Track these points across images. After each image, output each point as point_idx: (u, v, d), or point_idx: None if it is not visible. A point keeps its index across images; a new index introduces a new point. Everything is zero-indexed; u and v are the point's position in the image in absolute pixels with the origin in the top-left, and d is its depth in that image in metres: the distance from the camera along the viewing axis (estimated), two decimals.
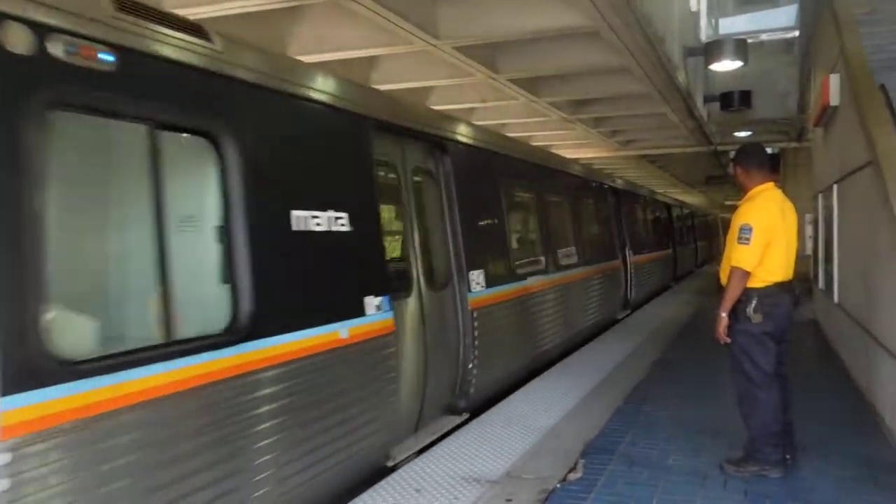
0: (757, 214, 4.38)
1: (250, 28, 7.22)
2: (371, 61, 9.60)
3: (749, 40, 12.29)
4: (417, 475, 4.51)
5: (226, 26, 5.09)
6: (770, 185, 4.55)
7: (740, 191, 4.70)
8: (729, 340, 4.42)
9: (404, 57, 9.13)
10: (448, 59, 8.87)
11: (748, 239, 4.29)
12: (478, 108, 12.82)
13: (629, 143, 18.50)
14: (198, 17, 5.84)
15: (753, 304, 4.32)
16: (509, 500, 4.10)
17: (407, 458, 4.92)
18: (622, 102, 13.18)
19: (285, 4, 7.05)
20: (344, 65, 8.50)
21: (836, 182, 8.33)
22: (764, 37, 16.13)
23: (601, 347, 9.05)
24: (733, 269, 4.36)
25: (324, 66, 5.30)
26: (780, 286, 4.38)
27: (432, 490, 4.25)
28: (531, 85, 11.18)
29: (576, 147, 18.07)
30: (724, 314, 4.38)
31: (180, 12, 3.97)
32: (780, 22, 17.97)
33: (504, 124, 14.39)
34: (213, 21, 6.37)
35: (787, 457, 4.45)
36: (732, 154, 4.96)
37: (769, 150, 5.74)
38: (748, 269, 4.31)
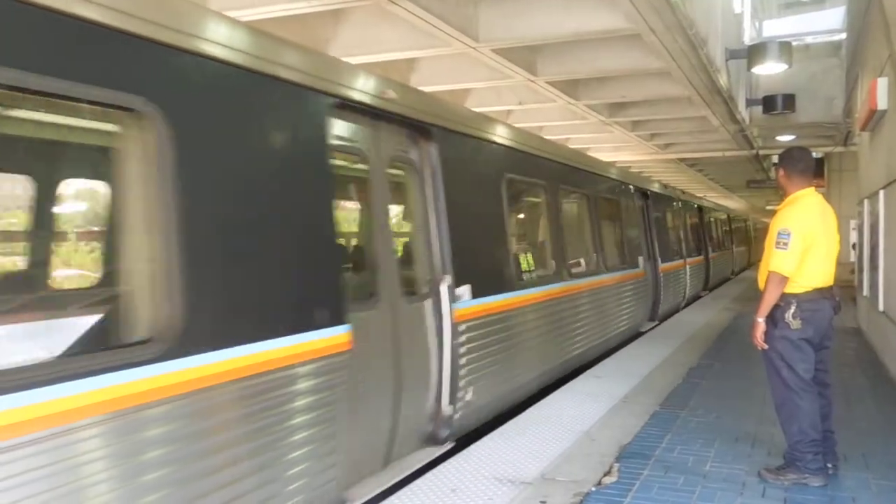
0: (796, 219, 4.32)
1: (292, 30, 7.35)
2: (411, 63, 9.69)
3: (794, 43, 12.06)
4: (453, 475, 4.54)
5: (268, 29, 5.18)
6: (811, 189, 4.48)
7: (781, 195, 4.64)
8: (766, 346, 4.37)
9: (443, 59, 9.20)
10: (487, 62, 8.91)
11: (786, 244, 4.24)
12: (515, 110, 12.83)
13: (668, 147, 18.31)
14: (241, 19, 5.96)
15: (792, 310, 4.27)
16: (544, 502, 4.10)
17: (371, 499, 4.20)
18: (662, 105, 13.07)
19: (328, 7, 7.16)
20: (384, 66, 8.59)
21: (883, 187, 8.15)
22: (809, 39, 15.82)
23: (635, 352, 8.98)
24: (771, 274, 4.31)
25: (364, 68, 5.37)
26: (820, 292, 4.32)
27: (467, 490, 4.28)
28: (569, 87, 11.16)
29: (613, 150, 17.95)
30: (760, 319, 4.34)
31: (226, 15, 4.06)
32: (826, 24, 17.61)
33: (541, 127, 14.37)
34: (255, 24, 6.49)
35: (829, 466, 4.38)
36: (776, 158, 4.91)
37: (813, 155, 5.65)
38: (786, 275, 4.26)
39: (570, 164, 8.50)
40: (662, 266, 12.20)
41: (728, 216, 24.88)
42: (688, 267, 14.87)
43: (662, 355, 8.65)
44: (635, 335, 10.44)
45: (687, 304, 14.58)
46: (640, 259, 10.93)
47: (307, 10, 7.07)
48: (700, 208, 18.03)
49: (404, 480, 4.52)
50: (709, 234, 19.10)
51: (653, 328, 11.12)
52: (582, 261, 8.52)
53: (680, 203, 15.52)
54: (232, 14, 5.75)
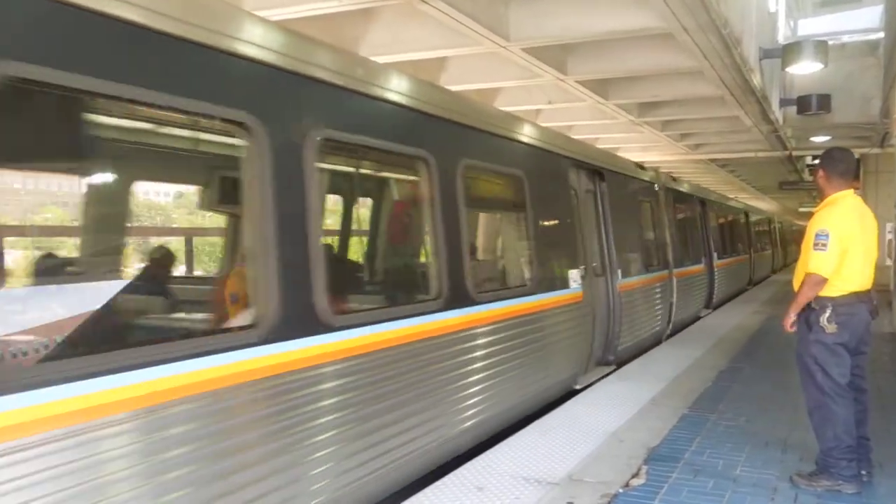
0: (835, 221, 4.25)
1: (322, 30, 7.40)
2: (440, 62, 9.70)
3: (830, 41, 11.83)
4: (479, 473, 4.54)
5: (299, 28, 5.23)
6: (850, 191, 4.41)
7: (816, 197, 4.57)
8: (794, 329, 4.35)
9: (473, 58, 9.19)
10: (517, 61, 8.89)
11: (825, 245, 4.17)
12: (544, 109, 12.78)
13: (698, 147, 18.09)
14: (273, 19, 6.03)
15: (828, 314, 4.20)
16: (571, 503, 4.09)
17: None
18: (693, 105, 12.93)
19: (358, 6, 7.19)
20: (414, 66, 8.61)
21: None
22: (846, 38, 15.52)
23: (663, 355, 8.89)
24: (808, 276, 4.25)
25: (394, 67, 5.39)
26: (857, 296, 4.24)
27: (494, 489, 4.28)
28: (599, 87, 11.09)
29: (642, 150, 17.79)
30: (793, 314, 4.37)
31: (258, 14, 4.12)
32: (863, 23, 17.28)
33: (570, 126, 14.30)
34: (287, 23, 6.56)
35: (863, 473, 4.30)
36: (809, 159, 4.85)
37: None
38: (824, 276, 4.19)
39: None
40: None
41: (745, 215, 21.04)
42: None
43: (691, 358, 8.56)
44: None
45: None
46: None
47: (337, 9, 7.11)
48: (703, 202, 16.58)
49: (426, 479, 4.54)
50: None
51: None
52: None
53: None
54: (263, 13, 5.82)
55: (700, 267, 13.24)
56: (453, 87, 9.69)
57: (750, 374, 7.69)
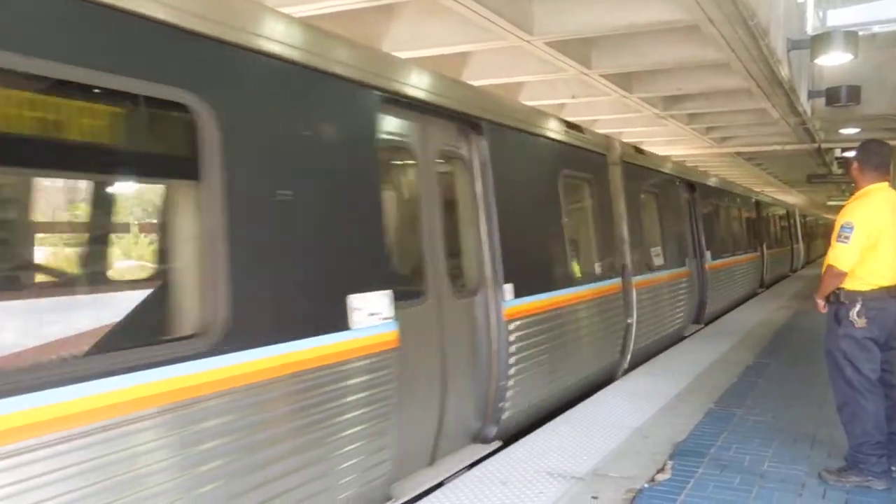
0: (862, 213, 4.20)
1: (345, 26, 7.43)
2: (463, 57, 9.68)
3: (860, 32, 11.61)
4: (503, 467, 4.56)
5: (322, 24, 5.25)
6: (884, 184, 4.35)
7: (846, 190, 4.52)
8: (825, 310, 4.35)
9: (496, 53, 9.16)
10: (540, 55, 8.85)
11: (848, 237, 4.13)
12: (568, 103, 12.71)
13: (725, 141, 17.86)
14: (294, 15, 6.06)
15: (857, 308, 4.15)
16: (595, 498, 4.08)
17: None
18: (719, 98, 12.77)
19: (380, 2, 7.21)
20: (436, 61, 8.61)
21: None
22: (876, 28, 15.21)
23: (688, 350, 8.82)
24: (828, 268, 4.23)
25: (416, 62, 5.40)
26: (888, 290, 4.19)
27: (517, 483, 4.29)
28: (623, 80, 11.00)
29: (667, 144, 17.61)
30: (819, 300, 4.40)
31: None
32: (895, 12, 16.91)
33: (595, 120, 14.21)
34: (309, 20, 6.60)
35: (893, 469, 4.24)
36: (839, 152, 4.80)
37: None
38: (843, 269, 4.15)
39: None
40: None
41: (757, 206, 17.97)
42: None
43: (717, 353, 8.49)
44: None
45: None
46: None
47: (360, 5, 7.13)
48: (692, 186, 12.17)
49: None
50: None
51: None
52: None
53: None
54: (286, 10, 5.85)
55: (683, 271, 10.12)
56: (475, 82, 9.69)
57: (776, 369, 7.60)
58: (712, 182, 13.66)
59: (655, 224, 9.43)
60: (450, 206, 5.07)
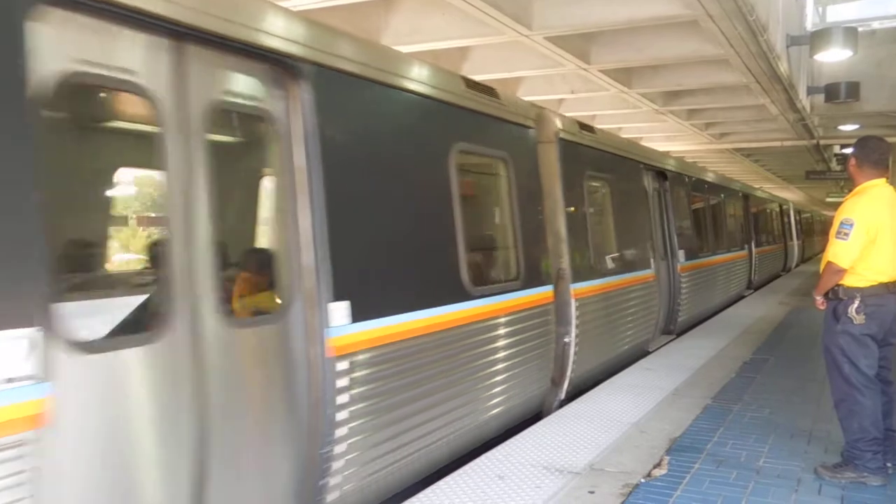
0: (862, 210, 4.20)
1: (344, 19, 7.42)
2: (463, 52, 9.67)
3: (860, 28, 11.60)
4: (500, 462, 4.56)
5: (320, 17, 5.24)
6: (882, 181, 4.34)
7: (844, 187, 4.53)
8: (824, 306, 4.35)
9: (496, 47, 9.16)
10: (540, 50, 8.84)
11: (847, 234, 4.13)
12: (567, 98, 12.70)
13: (724, 137, 17.86)
14: (294, 9, 6.05)
15: (856, 304, 4.15)
16: (592, 492, 4.09)
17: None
18: (718, 94, 12.76)
19: None
20: (435, 55, 8.60)
21: None
22: (876, 24, 15.20)
23: (686, 345, 8.83)
24: (827, 265, 4.23)
25: (416, 56, 5.40)
26: (886, 286, 4.18)
27: (514, 478, 4.29)
28: (623, 76, 10.99)
29: (666, 140, 17.62)
30: (817, 296, 4.40)
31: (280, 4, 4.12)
32: (894, 8, 16.89)
33: (594, 116, 14.19)
34: (307, 13, 6.58)
35: (889, 465, 4.25)
36: (837, 148, 4.80)
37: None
38: (843, 266, 4.15)
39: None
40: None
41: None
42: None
43: (715, 349, 8.50)
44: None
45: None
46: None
47: None
48: (663, 174, 10.58)
49: (449, 468, 4.55)
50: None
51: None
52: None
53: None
54: (285, 4, 5.84)
55: (646, 274, 8.60)
56: (475, 77, 9.68)
57: (774, 365, 7.62)
58: (690, 171, 12.02)
59: (609, 218, 7.96)
60: (237, 186, 3.94)
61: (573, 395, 6.30)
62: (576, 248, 6.60)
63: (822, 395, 5.67)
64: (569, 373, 6.30)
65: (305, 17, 4.00)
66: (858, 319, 4.14)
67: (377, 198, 4.13)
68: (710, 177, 13.75)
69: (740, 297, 14.39)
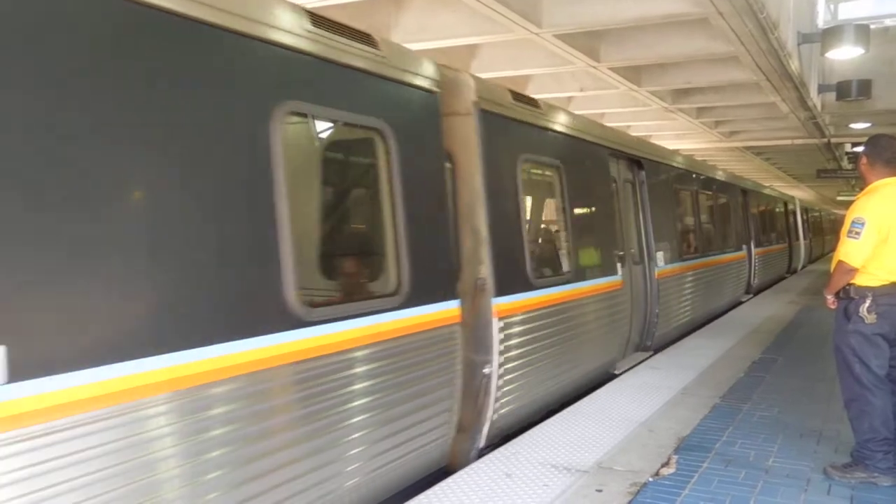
0: (873, 208, 4.17)
1: (355, 17, 7.42)
2: (472, 49, 9.67)
3: (872, 25, 11.51)
4: (508, 460, 4.56)
5: (332, 15, 5.24)
6: (893, 179, 4.30)
7: (856, 186, 4.50)
8: (835, 306, 4.33)
9: (504, 45, 9.15)
10: (549, 48, 8.83)
11: (858, 233, 4.10)
12: (576, 97, 12.67)
13: (733, 135, 17.80)
14: (306, 6, 6.04)
15: (867, 304, 4.12)
16: (600, 491, 4.08)
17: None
18: (728, 91, 12.71)
19: None
20: (444, 52, 8.60)
21: None
22: (888, 22, 15.08)
23: (694, 345, 8.80)
24: (838, 264, 4.20)
25: (425, 54, 5.39)
26: None
27: (522, 476, 4.29)
28: (632, 74, 10.96)
29: (676, 138, 17.56)
30: (828, 295, 4.37)
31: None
32: None
33: (603, 114, 14.16)
34: (320, 10, 6.58)
35: None
36: (849, 147, 4.77)
37: None
38: (854, 266, 4.12)
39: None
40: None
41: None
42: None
43: (723, 348, 8.46)
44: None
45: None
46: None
47: None
48: (639, 162, 8.96)
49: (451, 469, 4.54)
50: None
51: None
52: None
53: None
54: (297, 1, 5.84)
55: (611, 282, 7.14)
56: (484, 75, 9.67)
57: (783, 365, 7.58)
58: (675, 161, 10.24)
59: (558, 215, 6.60)
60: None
61: (499, 443, 5.02)
62: (503, 252, 5.20)
63: (832, 394, 5.64)
64: (490, 413, 5.00)
65: None
66: (870, 319, 4.12)
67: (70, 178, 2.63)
68: (700, 168, 12.03)
69: (737, 303, 13.18)
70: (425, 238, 4.50)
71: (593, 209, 7.21)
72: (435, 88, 4.73)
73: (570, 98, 12.72)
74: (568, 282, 6.29)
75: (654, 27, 8.74)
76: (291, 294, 3.40)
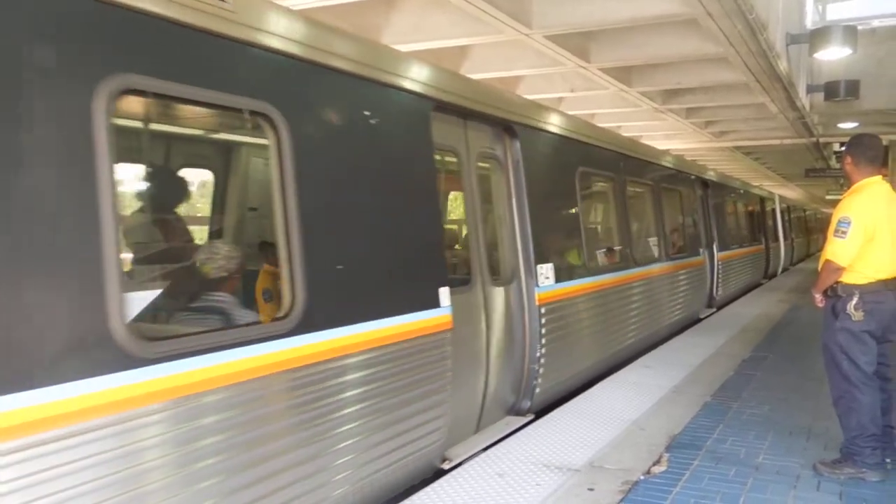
0: (859, 208, 4.22)
1: (346, 18, 7.43)
2: (463, 50, 9.68)
3: (859, 26, 11.60)
4: (500, 460, 4.58)
5: (322, 17, 5.27)
6: (878, 178, 4.36)
7: (844, 185, 4.55)
8: (823, 304, 4.38)
9: (495, 46, 9.16)
10: (539, 49, 8.85)
11: (845, 232, 4.15)
12: (566, 97, 12.71)
13: (723, 135, 17.87)
14: (295, 8, 6.06)
15: (854, 301, 4.17)
16: (591, 489, 4.11)
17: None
18: (717, 92, 12.76)
19: None
20: (436, 54, 8.61)
21: None
22: (876, 23, 15.19)
23: (685, 343, 8.85)
24: (826, 263, 4.25)
25: (416, 55, 5.40)
26: (884, 283, 4.21)
27: (514, 475, 4.31)
28: (622, 74, 11.00)
29: (666, 138, 17.62)
30: (817, 294, 4.42)
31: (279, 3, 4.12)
32: (894, 6, 16.89)
33: (593, 115, 14.21)
34: (309, 12, 6.59)
35: (887, 461, 4.28)
36: (837, 146, 4.82)
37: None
38: (841, 264, 4.17)
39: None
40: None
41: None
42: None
43: (714, 346, 8.52)
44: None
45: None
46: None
47: None
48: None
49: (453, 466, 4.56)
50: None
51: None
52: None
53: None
54: (286, 3, 5.86)
55: (424, 323, 4.29)
56: (475, 76, 9.69)
57: (773, 363, 7.64)
58: (586, 134, 7.50)
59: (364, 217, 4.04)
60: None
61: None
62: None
63: (821, 391, 5.69)
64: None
65: None
66: (857, 316, 4.17)
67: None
68: (632, 149, 9.24)
69: (695, 321, 10.76)
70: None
71: (407, 203, 4.37)
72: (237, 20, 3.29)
73: (560, 99, 12.76)
74: (368, 318, 3.86)
75: (644, 28, 8.77)
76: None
